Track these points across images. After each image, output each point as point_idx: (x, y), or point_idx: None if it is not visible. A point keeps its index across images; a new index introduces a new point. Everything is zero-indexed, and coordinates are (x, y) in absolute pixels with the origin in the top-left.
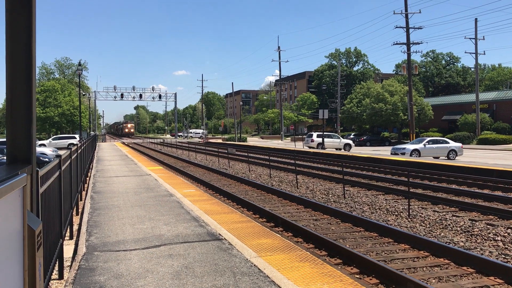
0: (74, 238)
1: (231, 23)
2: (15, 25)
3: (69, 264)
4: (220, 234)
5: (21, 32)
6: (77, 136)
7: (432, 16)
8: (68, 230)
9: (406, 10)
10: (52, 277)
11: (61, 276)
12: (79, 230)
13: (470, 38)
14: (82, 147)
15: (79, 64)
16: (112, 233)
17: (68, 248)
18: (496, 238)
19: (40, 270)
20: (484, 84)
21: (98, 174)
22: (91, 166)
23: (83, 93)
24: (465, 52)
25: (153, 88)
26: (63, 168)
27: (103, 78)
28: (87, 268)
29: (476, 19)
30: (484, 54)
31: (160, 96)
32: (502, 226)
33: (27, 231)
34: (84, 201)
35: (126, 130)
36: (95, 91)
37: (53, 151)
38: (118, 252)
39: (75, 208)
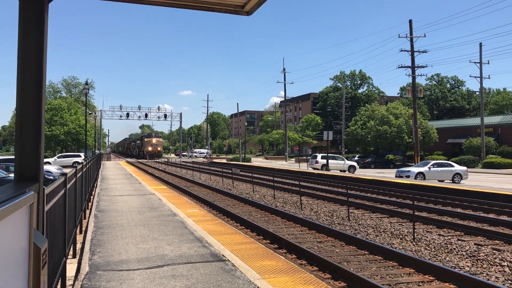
0: (77, 256)
1: (238, 44)
2: (27, 47)
3: (72, 283)
4: (223, 255)
5: (32, 54)
6: (82, 154)
7: (437, 40)
8: (72, 249)
9: (411, 34)
10: None
11: None
12: (82, 248)
13: (474, 62)
14: (87, 166)
15: (86, 83)
16: (115, 252)
17: (71, 267)
18: (503, 264)
19: None
20: (489, 108)
21: (102, 193)
22: (95, 184)
23: (89, 112)
24: (470, 76)
25: (158, 108)
26: (68, 186)
27: (109, 97)
28: None
29: (480, 43)
30: (489, 78)
31: (165, 116)
32: (508, 251)
33: (33, 249)
34: (88, 220)
35: (150, 148)
36: (101, 110)
37: (58, 169)
38: (121, 271)
39: (78, 226)
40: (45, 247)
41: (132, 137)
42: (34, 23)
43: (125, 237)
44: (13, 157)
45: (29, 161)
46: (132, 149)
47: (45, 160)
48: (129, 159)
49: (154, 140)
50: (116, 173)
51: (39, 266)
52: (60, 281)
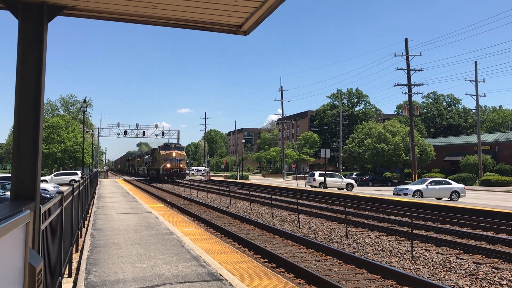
0: (73, 276)
1: (235, 62)
2: (25, 66)
3: None
4: (220, 274)
5: (30, 73)
6: (79, 172)
7: (432, 58)
8: (67, 268)
9: (407, 52)
10: None
11: None
12: (78, 267)
13: (470, 81)
14: (84, 184)
15: (84, 101)
16: (112, 271)
17: (66, 287)
18: (502, 282)
19: None
20: (486, 126)
21: (99, 211)
22: (92, 202)
23: (87, 130)
24: (466, 94)
25: (156, 125)
26: (64, 205)
27: (107, 115)
28: None
29: (476, 62)
30: (485, 96)
31: (163, 133)
32: (507, 270)
33: (28, 269)
34: (84, 238)
35: (169, 164)
36: (98, 128)
37: (54, 187)
38: None
39: (75, 245)
40: (41, 266)
41: (136, 152)
42: (33, 42)
43: (122, 256)
44: (9, 175)
45: (26, 180)
46: (137, 166)
47: (42, 178)
48: (127, 177)
49: (174, 154)
50: (113, 191)
51: (34, 287)
52: None
